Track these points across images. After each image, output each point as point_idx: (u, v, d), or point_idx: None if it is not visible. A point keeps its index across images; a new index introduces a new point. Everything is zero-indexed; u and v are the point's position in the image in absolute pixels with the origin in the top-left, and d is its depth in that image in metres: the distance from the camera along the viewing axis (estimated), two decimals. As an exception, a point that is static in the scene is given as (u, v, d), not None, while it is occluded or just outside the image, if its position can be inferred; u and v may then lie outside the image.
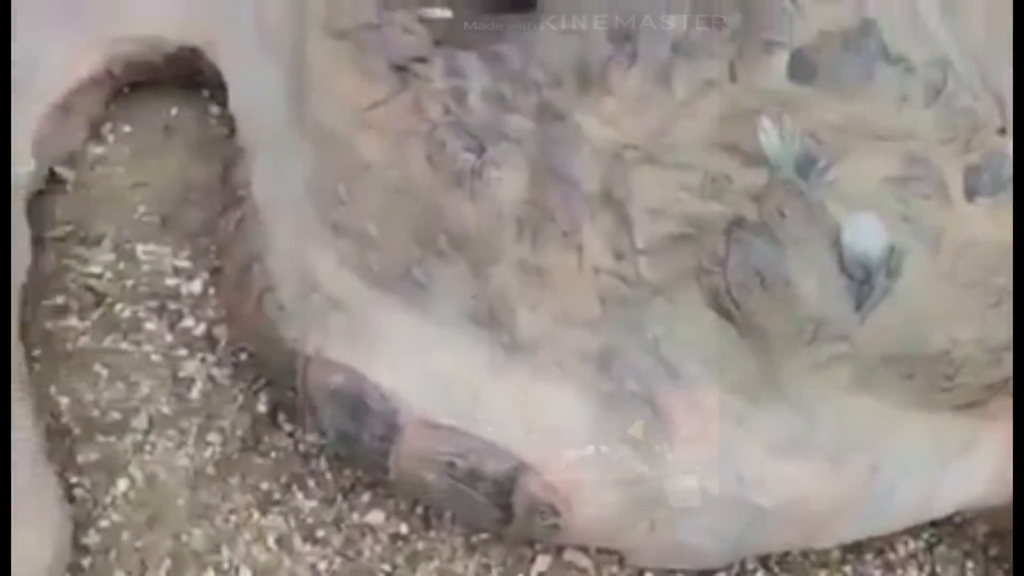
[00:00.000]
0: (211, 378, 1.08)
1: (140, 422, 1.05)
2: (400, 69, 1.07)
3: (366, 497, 1.02)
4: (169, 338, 1.10)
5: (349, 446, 0.94)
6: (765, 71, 0.94)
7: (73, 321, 1.12)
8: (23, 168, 1.00)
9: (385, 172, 0.98)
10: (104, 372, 1.08)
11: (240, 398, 1.07)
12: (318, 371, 0.94)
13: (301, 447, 1.03)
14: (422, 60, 1.09)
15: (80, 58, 1.23)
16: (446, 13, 1.21)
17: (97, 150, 1.28)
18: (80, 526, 0.97)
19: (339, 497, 1.02)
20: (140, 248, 1.18)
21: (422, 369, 0.91)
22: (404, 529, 1.01)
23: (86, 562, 0.97)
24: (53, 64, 1.20)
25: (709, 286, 0.85)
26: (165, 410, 1.06)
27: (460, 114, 1.01)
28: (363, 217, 0.97)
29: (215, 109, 1.34)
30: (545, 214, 0.91)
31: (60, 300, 1.12)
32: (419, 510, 1.01)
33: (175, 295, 1.14)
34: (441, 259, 0.92)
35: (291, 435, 1.04)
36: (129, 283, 1.15)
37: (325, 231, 0.98)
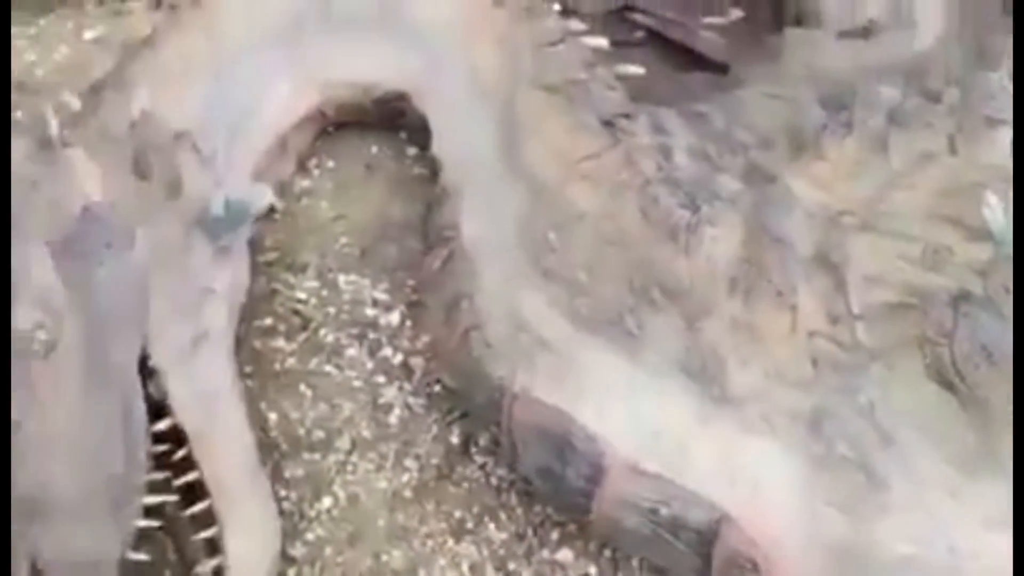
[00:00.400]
0: (408, 406, 1.13)
1: (343, 443, 1.11)
2: (608, 124, 1.12)
3: (555, 535, 1.05)
4: (369, 365, 1.17)
5: (552, 484, 0.97)
6: (988, 146, 0.95)
7: (281, 342, 1.19)
8: (263, 200, 1.08)
9: (598, 222, 1.02)
10: (309, 393, 1.15)
11: (434, 428, 1.12)
12: (524, 409, 0.98)
13: (493, 480, 1.08)
14: (627, 116, 1.14)
15: (299, 99, 1.32)
16: (639, 70, 1.27)
17: (304, 183, 1.36)
18: (287, 537, 1.03)
19: (529, 532, 1.05)
20: (342, 278, 1.25)
21: (629, 414, 0.94)
22: (593, 570, 1.03)
23: (291, 572, 1.03)
24: (275, 104, 1.28)
25: (933, 356, 0.85)
26: (366, 433, 1.11)
27: (670, 170, 1.05)
28: (574, 264, 1.01)
29: (412, 150, 1.42)
30: (760, 273, 0.94)
31: (269, 321, 1.20)
32: (608, 552, 1.04)
33: (374, 325, 1.20)
34: (653, 309, 0.95)
35: (483, 467, 1.09)
36: (332, 310, 1.22)
37: (536, 275, 1.03)
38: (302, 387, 1.16)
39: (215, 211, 1.04)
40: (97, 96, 1.16)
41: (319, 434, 1.11)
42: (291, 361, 1.18)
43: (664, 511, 0.91)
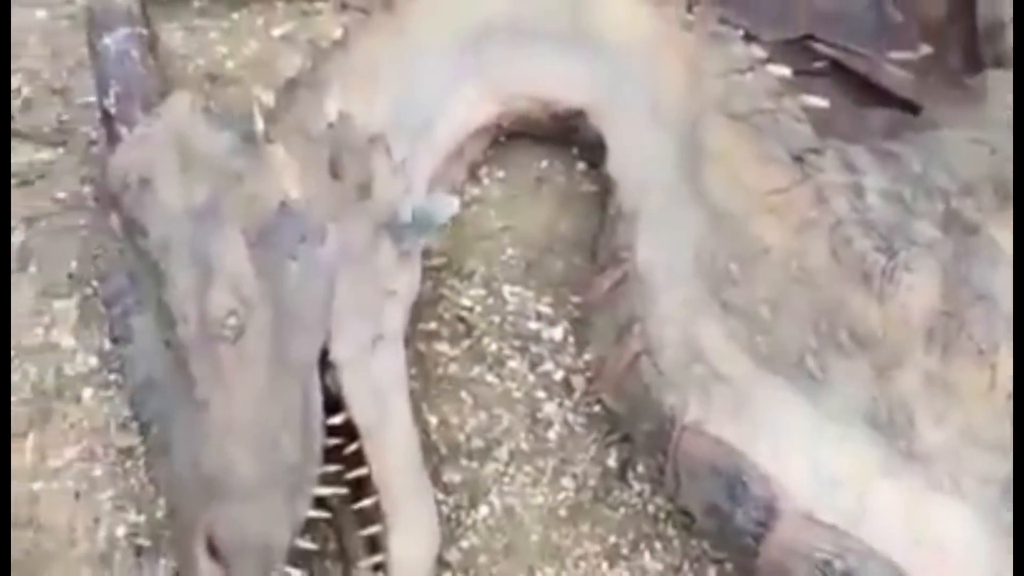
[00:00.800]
0: (567, 423, 1.13)
1: (501, 454, 1.12)
2: (797, 159, 1.09)
3: (713, 572, 1.03)
4: (530, 378, 1.17)
5: (718, 522, 0.96)
6: None
7: (444, 347, 1.21)
8: (449, 211, 1.10)
9: (784, 258, 1.00)
10: (469, 400, 1.16)
11: (592, 448, 1.11)
12: (695, 442, 0.96)
13: (650, 508, 1.07)
14: (815, 151, 1.11)
15: (480, 108, 1.34)
16: (823, 102, 1.24)
17: (474, 191, 1.39)
18: (444, 541, 1.05)
19: (686, 566, 1.04)
20: (507, 289, 1.26)
21: (807, 459, 0.91)
22: (749, 612, 1.01)
23: (446, 576, 1.05)
24: (458, 111, 1.31)
25: None
26: (524, 446, 1.12)
27: (863, 211, 1.02)
28: (756, 299, 0.99)
29: (582, 166, 1.42)
30: (959, 328, 0.90)
31: (433, 325, 1.22)
32: (766, 596, 1.02)
33: (536, 338, 1.21)
34: (840, 354, 0.93)
35: (639, 494, 1.08)
36: (496, 320, 1.23)
37: (714, 306, 1.02)
38: (463, 394, 1.17)
39: (403, 217, 1.06)
40: (291, 94, 1.21)
41: (478, 442, 1.13)
42: (453, 367, 1.20)
43: (838, 564, 0.88)
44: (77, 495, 1.11)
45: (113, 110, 1.09)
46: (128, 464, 1.13)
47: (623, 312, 1.09)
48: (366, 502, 0.99)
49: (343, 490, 1.00)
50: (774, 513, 0.90)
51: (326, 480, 0.99)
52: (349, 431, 1.01)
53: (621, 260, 1.13)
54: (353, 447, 1.01)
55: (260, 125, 1.07)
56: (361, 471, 1.00)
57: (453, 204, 1.08)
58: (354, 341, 1.03)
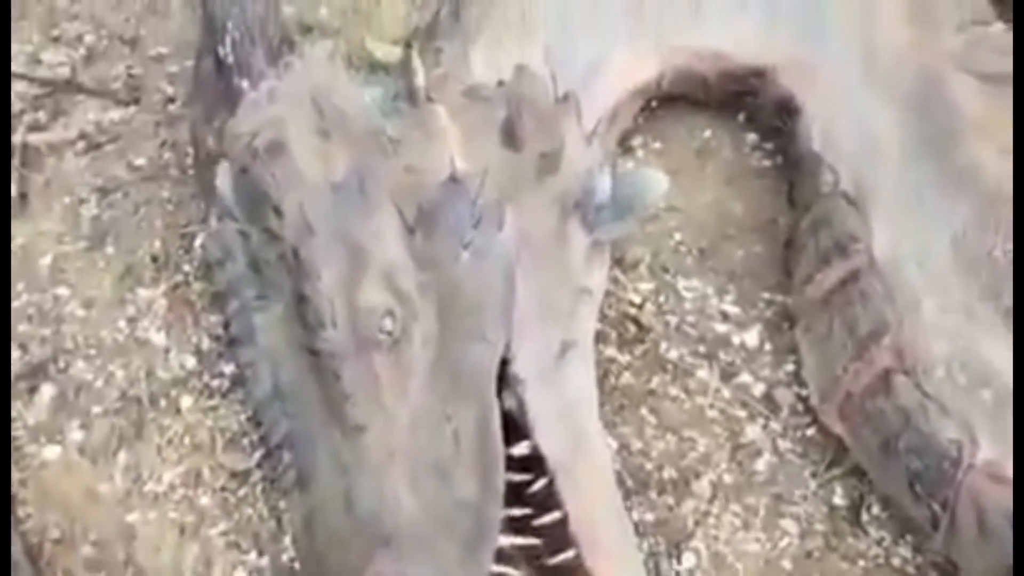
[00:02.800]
0: (777, 450, 0.93)
1: (701, 488, 0.91)
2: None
3: (987, 646, 0.84)
4: (725, 393, 0.97)
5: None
6: None
7: (613, 351, 1.01)
8: (659, 189, 0.89)
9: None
10: (652, 419, 0.96)
11: (811, 483, 0.91)
12: (984, 486, 0.76)
13: (895, 561, 0.86)
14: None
15: (637, 67, 1.13)
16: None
17: (627, 163, 1.18)
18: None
19: (951, 637, 0.85)
20: (681, 283, 1.06)
21: None
22: None
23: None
24: (613, 72, 1.10)
25: None
26: (727, 479, 0.92)
27: None
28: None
29: (752, 137, 1.22)
30: None
31: (598, 325, 1.02)
32: None
33: (725, 343, 1.01)
34: None
35: (879, 542, 0.88)
36: (672, 320, 1.03)
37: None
38: (643, 410, 0.97)
39: (598, 197, 0.85)
40: (430, 45, 1.00)
41: (670, 472, 0.93)
42: (627, 376, 0.99)
43: None
44: (182, 530, 0.92)
45: (230, 59, 0.88)
46: (242, 492, 0.94)
47: (860, 317, 0.88)
48: (563, 556, 0.79)
49: (534, 540, 0.79)
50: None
51: (511, 526, 0.79)
52: (536, 463, 0.81)
53: (849, 253, 0.92)
54: (541, 483, 0.81)
55: (421, 79, 0.86)
56: (554, 515, 0.79)
57: (662, 181, 0.87)
58: (540, 350, 0.83)
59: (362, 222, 0.83)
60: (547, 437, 0.81)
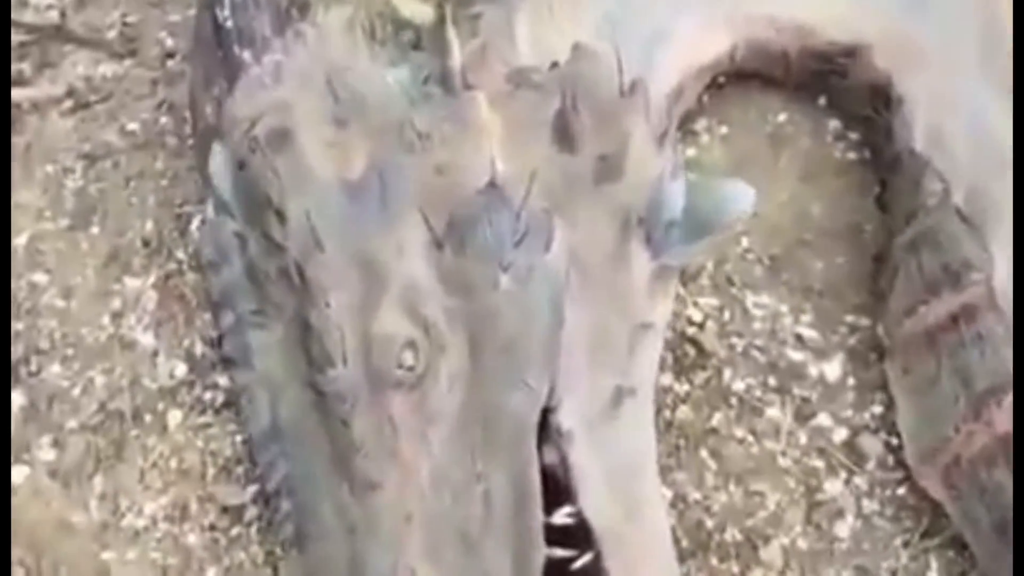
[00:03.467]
0: (861, 512, 0.80)
1: (770, 554, 0.78)
2: None
3: None
4: (801, 438, 0.83)
5: None
6: None
7: (668, 379, 0.87)
8: (745, 201, 0.74)
9: None
10: (712, 464, 0.83)
11: (902, 555, 0.78)
12: None
13: (1001, 655, 0.74)
14: None
15: (707, 39, 0.97)
16: None
17: (689, 150, 1.03)
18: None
19: None
20: (750, 299, 0.91)
21: None
22: None
23: None
24: (678, 45, 0.94)
25: None
26: (802, 544, 0.79)
27: None
28: None
29: (834, 124, 1.06)
30: None
31: (652, 345, 0.88)
32: None
33: (800, 375, 0.87)
34: None
35: (983, 630, 0.75)
36: (738, 344, 0.89)
37: None
38: (703, 453, 0.83)
39: (669, 211, 0.70)
40: (468, 11, 0.84)
41: (734, 533, 0.79)
42: (684, 410, 0.86)
43: None
44: (164, 573, 0.79)
45: (228, 23, 0.72)
46: (235, 531, 0.81)
47: (976, 367, 0.74)
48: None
49: (577, 631, 0.67)
50: None
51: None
52: (581, 534, 0.68)
53: (963, 284, 0.77)
54: (586, 559, 0.68)
55: (457, 58, 0.71)
56: (602, 599, 0.67)
57: (748, 195, 0.72)
58: (590, 397, 0.69)
59: (381, 233, 0.69)
60: (594, 503, 0.68)
